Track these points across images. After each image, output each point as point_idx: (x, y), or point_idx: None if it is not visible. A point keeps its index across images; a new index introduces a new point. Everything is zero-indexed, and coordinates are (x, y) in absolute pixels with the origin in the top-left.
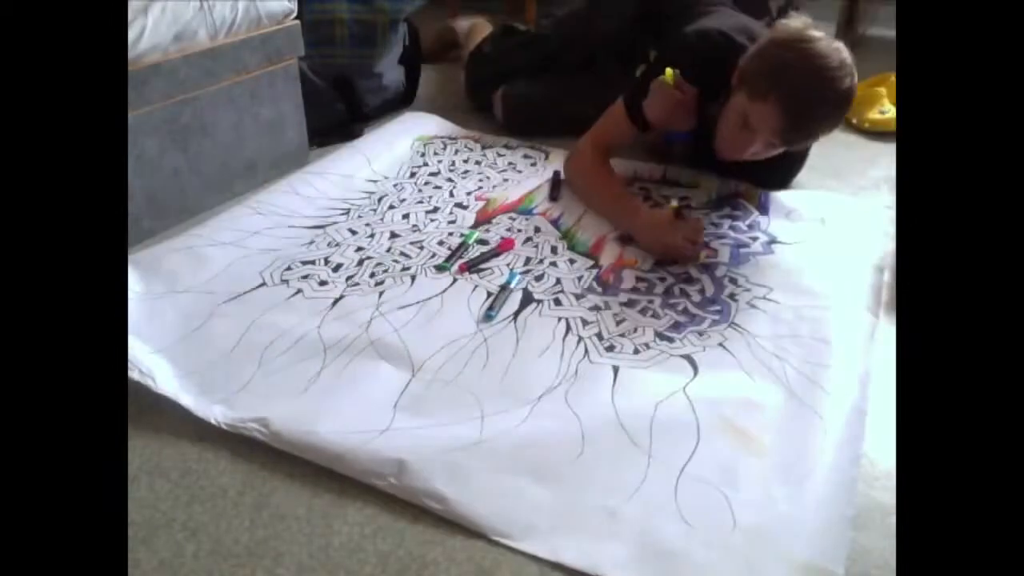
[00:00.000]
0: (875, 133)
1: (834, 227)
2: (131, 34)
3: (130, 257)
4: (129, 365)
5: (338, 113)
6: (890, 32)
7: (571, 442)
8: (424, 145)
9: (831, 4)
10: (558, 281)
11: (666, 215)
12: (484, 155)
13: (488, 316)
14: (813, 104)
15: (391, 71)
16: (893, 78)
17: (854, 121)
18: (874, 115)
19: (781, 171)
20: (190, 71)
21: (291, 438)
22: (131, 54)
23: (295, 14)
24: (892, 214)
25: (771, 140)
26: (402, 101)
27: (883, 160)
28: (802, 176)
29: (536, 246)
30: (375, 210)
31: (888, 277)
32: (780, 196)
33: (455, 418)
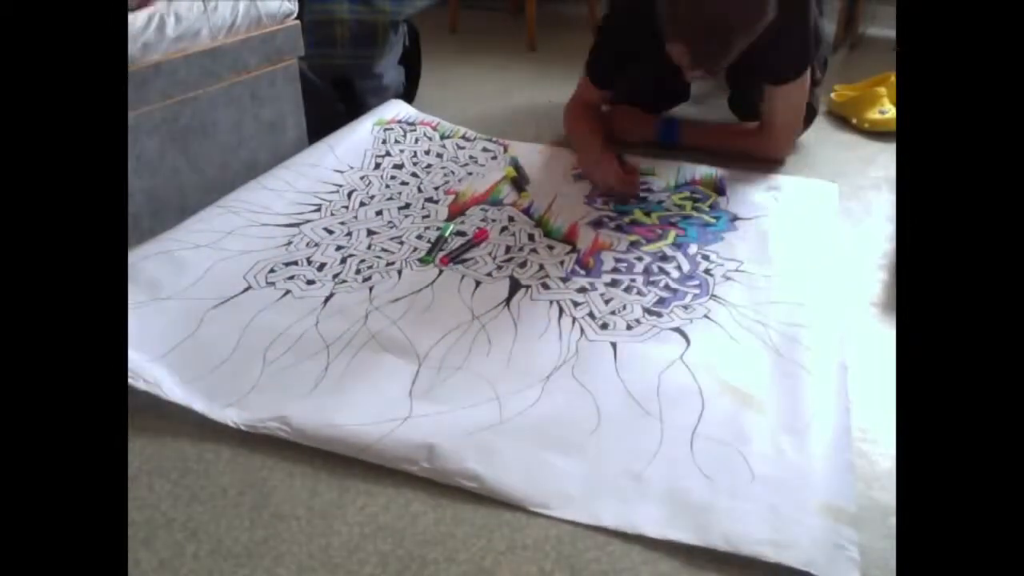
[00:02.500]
0: (875, 133)
1: (787, 200)
2: (131, 34)
3: None
4: (132, 375)
5: (338, 113)
6: (890, 32)
7: (587, 415)
8: (384, 130)
9: (831, 4)
10: (541, 267)
11: (611, 158)
12: (444, 146)
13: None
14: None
15: (391, 71)
16: (893, 78)
17: (854, 121)
18: (874, 115)
19: (787, 60)
20: (190, 71)
21: (315, 433)
22: (131, 54)
23: (295, 14)
24: (834, 188)
25: (696, 70)
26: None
27: (883, 160)
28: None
29: (513, 235)
30: (347, 207)
31: (887, 277)
32: (735, 178)
33: (472, 401)
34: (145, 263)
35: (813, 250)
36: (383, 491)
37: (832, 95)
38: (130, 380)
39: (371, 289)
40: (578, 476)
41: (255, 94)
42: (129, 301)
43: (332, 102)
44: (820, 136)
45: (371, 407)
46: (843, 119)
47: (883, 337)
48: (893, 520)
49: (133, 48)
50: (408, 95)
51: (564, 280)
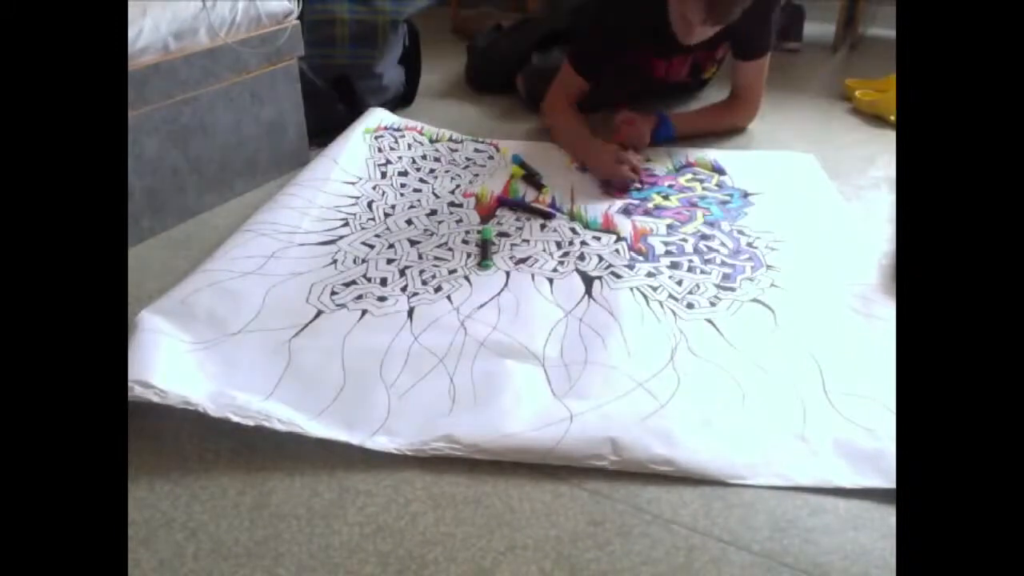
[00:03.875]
0: (875, 132)
1: (782, 172)
2: (131, 34)
3: (156, 306)
4: (265, 418)
5: (338, 113)
6: (890, 32)
7: (729, 388)
8: (375, 138)
9: (831, 4)
10: (601, 258)
11: (611, 146)
12: (437, 150)
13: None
14: None
15: (391, 71)
16: None
17: (891, 119)
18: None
19: (758, 38)
20: (190, 71)
21: (490, 446)
22: (131, 54)
23: (295, 14)
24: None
25: (706, 23)
26: (402, 101)
27: (883, 160)
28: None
29: (555, 230)
30: (373, 219)
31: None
32: (719, 158)
33: (618, 393)
34: (198, 297)
35: (833, 212)
36: (383, 491)
37: (857, 94)
38: (264, 423)
39: (448, 298)
40: (753, 445)
41: (255, 94)
42: (198, 340)
43: (332, 102)
44: (821, 136)
45: (529, 412)
46: (878, 118)
47: (882, 337)
48: (893, 520)
49: (132, 49)
50: (408, 95)
51: (629, 268)
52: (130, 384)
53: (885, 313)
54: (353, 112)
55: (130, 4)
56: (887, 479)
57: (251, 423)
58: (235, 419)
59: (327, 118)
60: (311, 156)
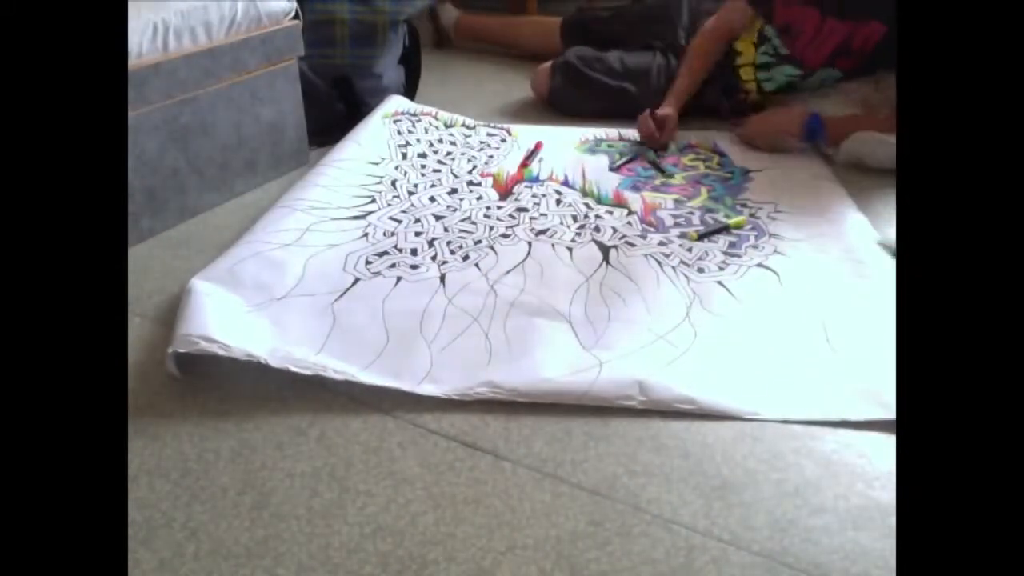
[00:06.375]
0: None
1: (776, 154)
2: (131, 33)
3: (205, 274)
4: (321, 368)
5: (338, 113)
6: None
7: (742, 340)
8: (393, 122)
9: None
10: (615, 229)
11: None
12: (452, 135)
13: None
14: None
15: (391, 71)
16: None
17: None
18: None
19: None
20: (190, 71)
21: (530, 389)
22: (131, 54)
23: (295, 14)
24: None
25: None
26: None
27: None
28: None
29: (571, 205)
30: (398, 196)
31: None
32: (719, 140)
33: (641, 344)
34: (244, 266)
35: (828, 188)
36: (383, 491)
37: None
38: (321, 372)
39: (477, 265)
40: (766, 387)
41: (255, 94)
42: (249, 302)
43: (332, 102)
44: None
45: (561, 361)
46: None
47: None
48: (893, 520)
49: (132, 49)
50: (408, 95)
51: (642, 238)
52: (195, 339)
53: (880, 271)
54: (353, 112)
55: (130, 4)
56: (887, 411)
57: (309, 373)
58: (294, 370)
59: (327, 118)
60: (311, 156)
